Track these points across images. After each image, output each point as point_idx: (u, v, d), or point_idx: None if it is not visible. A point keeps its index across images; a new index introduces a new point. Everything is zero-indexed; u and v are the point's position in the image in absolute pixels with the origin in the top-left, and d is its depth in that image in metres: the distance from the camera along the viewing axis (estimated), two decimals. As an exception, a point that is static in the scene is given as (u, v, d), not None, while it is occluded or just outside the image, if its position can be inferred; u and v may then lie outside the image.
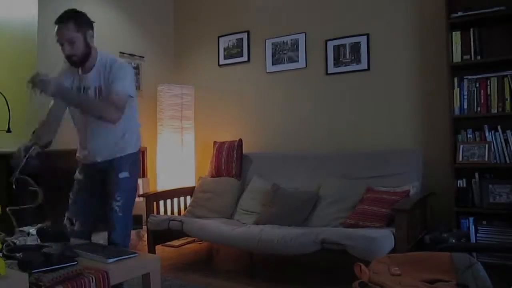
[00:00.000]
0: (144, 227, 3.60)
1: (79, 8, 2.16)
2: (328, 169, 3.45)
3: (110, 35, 4.08)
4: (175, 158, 4.13)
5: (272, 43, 4.12)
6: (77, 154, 2.39)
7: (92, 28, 2.19)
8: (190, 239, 3.96)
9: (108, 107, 2.11)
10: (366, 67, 3.64)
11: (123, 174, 2.24)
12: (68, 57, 2.14)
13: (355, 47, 3.69)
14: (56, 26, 2.10)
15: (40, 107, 3.48)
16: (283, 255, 2.86)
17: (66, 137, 2.51)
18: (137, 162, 2.39)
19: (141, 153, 4.24)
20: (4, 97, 3.29)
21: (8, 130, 3.26)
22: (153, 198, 3.52)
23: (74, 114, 2.31)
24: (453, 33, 3.09)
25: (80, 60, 2.16)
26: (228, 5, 4.43)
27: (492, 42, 3.07)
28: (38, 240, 1.78)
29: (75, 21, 2.10)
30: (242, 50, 4.30)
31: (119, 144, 2.26)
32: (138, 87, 4.34)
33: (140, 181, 4.08)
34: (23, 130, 3.40)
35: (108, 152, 2.26)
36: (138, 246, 3.73)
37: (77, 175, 2.40)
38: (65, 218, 2.31)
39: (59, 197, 3.34)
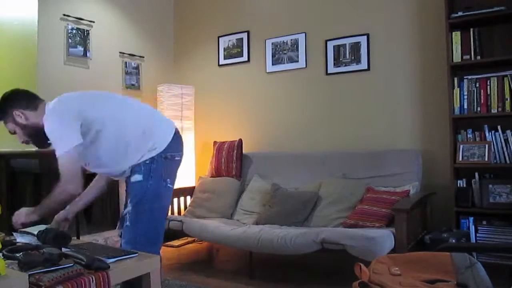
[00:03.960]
0: (144, 227, 3.60)
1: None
2: (328, 169, 3.45)
3: (110, 35, 4.08)
4: (175, 158, 4.12)
5: (272, 43, 4.12)
6: None
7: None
8: (190, 239, 3.96)
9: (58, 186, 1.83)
10: (366, 67, 3.64)
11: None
12: None
13: (355, 47, 3.69)
14: None
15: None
16: (283, 255, 2.85)
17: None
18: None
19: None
20: None
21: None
22: (153, 198, 3.52)
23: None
24: (453, 33, 3.09)
25: None
26: (228, 5, 4.43)
27: (492, 42, 3.07)
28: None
29: None
30: (242, 50, 4.30)
31: None
32: (138, 87, 4.35)
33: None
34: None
35: None
36: (138, 246, 3.73)
37: None
38: None
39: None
